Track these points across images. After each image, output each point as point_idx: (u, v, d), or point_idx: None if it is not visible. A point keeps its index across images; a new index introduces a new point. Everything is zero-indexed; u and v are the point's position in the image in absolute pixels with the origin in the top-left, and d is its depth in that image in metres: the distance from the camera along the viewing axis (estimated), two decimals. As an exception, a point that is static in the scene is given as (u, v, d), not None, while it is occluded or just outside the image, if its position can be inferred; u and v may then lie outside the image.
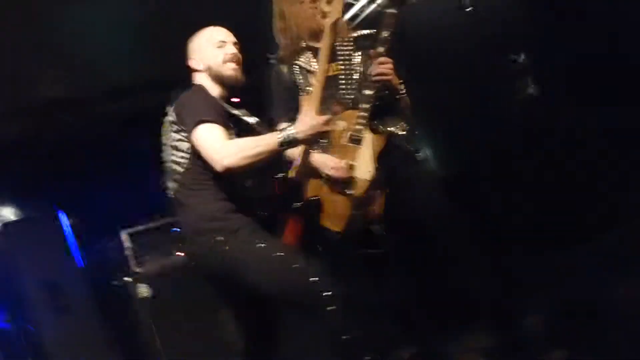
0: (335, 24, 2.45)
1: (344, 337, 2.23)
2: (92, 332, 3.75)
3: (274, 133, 2.33)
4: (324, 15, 2.51)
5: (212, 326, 3.49)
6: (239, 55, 2.54)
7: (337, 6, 2.45)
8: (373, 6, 4.08)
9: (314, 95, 2.41)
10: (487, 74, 3.34)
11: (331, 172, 2.60)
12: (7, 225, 4.02)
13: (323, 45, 2.44)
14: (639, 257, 2.59)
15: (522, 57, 3.35)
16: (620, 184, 3.03)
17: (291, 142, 2.31)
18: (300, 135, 2.29)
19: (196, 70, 2.55)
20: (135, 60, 4.18)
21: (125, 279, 3.71)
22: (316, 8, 2.74)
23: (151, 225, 3.93)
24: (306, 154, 2.51)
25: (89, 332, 3.73)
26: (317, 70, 2.48)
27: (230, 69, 2.51)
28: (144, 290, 3.67)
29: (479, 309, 2.83)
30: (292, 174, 2.63)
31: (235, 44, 2.58)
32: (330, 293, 2.22)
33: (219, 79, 2.53)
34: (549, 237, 3.13)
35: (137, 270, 3.76)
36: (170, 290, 3.69)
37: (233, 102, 2.73)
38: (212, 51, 2.54)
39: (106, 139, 4.35)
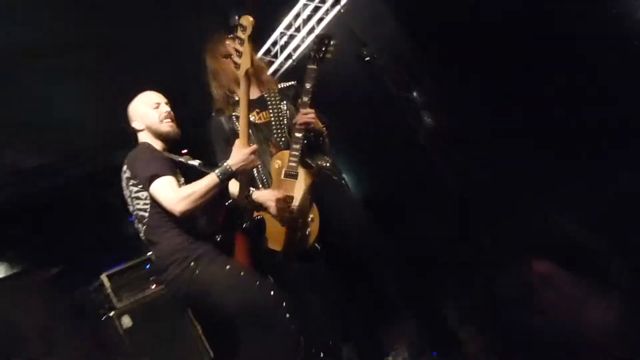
0: (246, 73, 2.59)
1: (300, 339, 2.44)
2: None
3: (212, 172, 2.54)
4: (237, 66, 2.63)
5: (184, 344, 4.01)
6: (172, 113, 2.77)
7: (246, 58, 2.58)
8: (289, 62, 4.62)
9: (241, 134, 2.59)
10: (388, 110, 3.93)
11: (272, 205, 2.83)
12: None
13: (240, 90, 2.60)
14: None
15: (415, 94, 3.94)
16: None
17: (227, 174, 2.51)
18: (233, 167, 2.51)
19: (138, 130, 2.77)
20: (94, 126, 4.57)
21: (111, 314, 4.13)
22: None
23: (127, 265, 4.32)
24: (243, 184, 2.72)
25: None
26: (240, 112, 2.63)
27: (166, 126, 2.73)
28: (125, 320, 4.09)
29: (400, 306, 3.13)
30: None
31: (167, 103, 2.79)
32: (286, 304, 2.45)
33: (158, 135, 2.75)
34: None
35: (118, 305, 4.18)
36: (148, 318, 4.12)
37: (181, 152, 2.91)
38: (149, 112, 2.76)
39: (81, 197, 4.73)
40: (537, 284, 2.45)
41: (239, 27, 2.54)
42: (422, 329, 3.06)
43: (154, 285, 4.33)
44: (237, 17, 2.60)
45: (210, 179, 2.51)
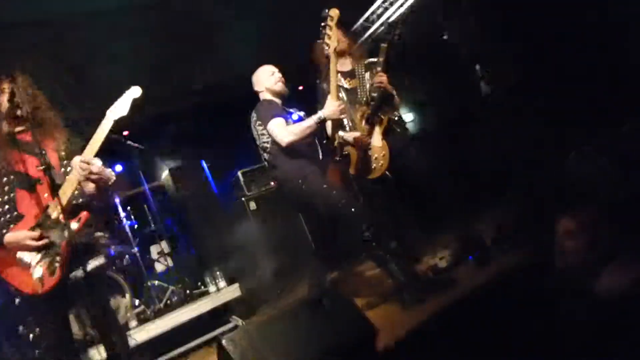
0: (334, 50, 3.14)
1: (364, 234, 3.00)
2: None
3: (311, 117, 3.11)
4: (328, 46, 3.14)
5: (290, 227, 5.17)
6: (282, 77, 3.35)
7: (334, 40, 3.13)
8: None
9: (331, 92, 3.16)
10: (458, 76, 4.77)
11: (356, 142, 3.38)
12: (171, 169, 5.50)
13: (331, 62, 3.16)
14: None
15: (478, 67, 4.85)
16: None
17: (321, 119, 3.08)
18: (325, 114, 3.09)
19: (260, 92, 3.34)
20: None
21: (242, 199, 5.38)
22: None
23: (255, 167, 5.45)
24: (334, 126, 3.33)
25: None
26: (331, 77, 3.15)
27: (279, 86, 3.30)
28: (252, 204, 5.36)
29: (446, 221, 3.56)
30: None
31: (278, 72, 3.35)
32: (361, 215, 3.03)
33: (273, 92, 3.29)
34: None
35: (248, 193, 5.39)
36: (266, 204, 5.30)
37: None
38: (267, 78, 3.32)
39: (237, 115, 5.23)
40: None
41: (328, 18, 3.10)
42: (461, 241, 3.51)
43: (273, 183, 5.35)
44: (327, 10, 3.14)
45: (309, 122, 3.13)
